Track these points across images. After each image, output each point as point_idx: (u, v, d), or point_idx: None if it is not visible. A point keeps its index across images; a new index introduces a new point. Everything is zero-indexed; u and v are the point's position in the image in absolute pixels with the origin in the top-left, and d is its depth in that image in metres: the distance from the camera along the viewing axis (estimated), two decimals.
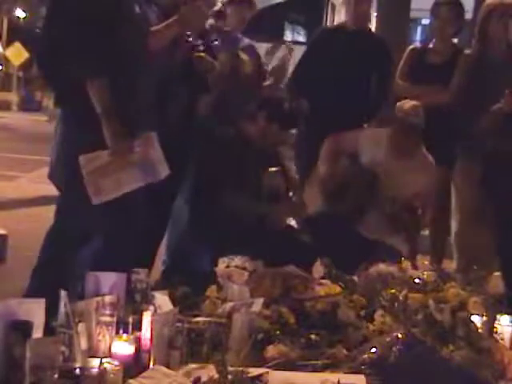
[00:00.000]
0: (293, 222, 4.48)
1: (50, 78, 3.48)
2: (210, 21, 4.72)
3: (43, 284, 3.22)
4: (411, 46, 5.43)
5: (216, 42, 4.34)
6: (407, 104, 4.69)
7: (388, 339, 2.89)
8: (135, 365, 2.72)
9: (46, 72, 3.48)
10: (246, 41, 4.94)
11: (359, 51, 5.07)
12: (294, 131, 5.14)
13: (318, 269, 3.67)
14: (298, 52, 5.94)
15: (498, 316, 3.27)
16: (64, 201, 3.45)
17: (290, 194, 4.42)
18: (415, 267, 4.48)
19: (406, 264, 3.82)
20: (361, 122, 5.12)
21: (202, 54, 4.17)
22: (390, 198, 4.55)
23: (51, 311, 2.64)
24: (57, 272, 3.28)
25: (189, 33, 3.97)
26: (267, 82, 5.14)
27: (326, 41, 5.28)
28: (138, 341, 2.78)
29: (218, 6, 4.81)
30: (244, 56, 4.55)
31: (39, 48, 3.53)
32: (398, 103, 4.73)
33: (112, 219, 3.41)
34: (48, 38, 3.38)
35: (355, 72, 5.01)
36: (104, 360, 2.53)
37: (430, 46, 5.19)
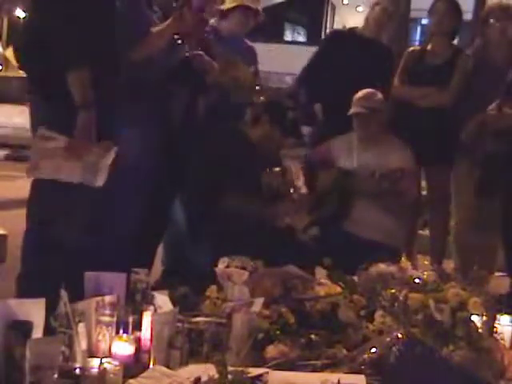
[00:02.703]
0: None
1: (27, 67, 3.42)
2: (212, 21, 4.71)
3: (30, 291, 3.18)
4: (410, 48, 5.43)
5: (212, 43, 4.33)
6: (361, 92, 4.73)
7: (388, 339, 2.89)
8: (135, 365, 2.72)
9: (24, 61, 3.43)
10: (246, 43, 4.93)
11: (369, 57, 5.05)
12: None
13: (321, 271, 3.67)
14: (298, 52, 5.92)
15: (498, 316, 3.27)
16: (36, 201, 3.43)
17: (291, 191, 4.42)
18: (415, 267, 4.49)
19: (406, 264, 3.82)
20: None
21: (201, 53, 4.18)
22: (368, 174, 4.57)
23: (50, 312, 2.64)
24: (43, 278, 3.25)
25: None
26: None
27: (338, 44, 5.26)
28: (138, 341, 2.79)
29: (221, 6, 4.78)
30: (242, 62, 4.55)
31: (20, 38, 3.48)
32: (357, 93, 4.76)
33: (108, 219, 3.42)
34: (30, 28, 3.34)
35: (363, 76, 5.00)
36: (104, 360, 2.54)
37: (429, 47, 5.19)
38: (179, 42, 3.92)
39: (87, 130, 3.23)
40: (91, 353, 2.71)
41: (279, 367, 2.77)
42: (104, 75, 3.22)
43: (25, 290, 3.28)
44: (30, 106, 3.51)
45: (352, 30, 5.40)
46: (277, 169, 4.32)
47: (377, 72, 5.05)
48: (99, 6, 3.25)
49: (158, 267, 4.41)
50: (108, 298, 2.83)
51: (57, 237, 3.27)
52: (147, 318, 2.81)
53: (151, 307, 2.92)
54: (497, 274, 5.01)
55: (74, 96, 3.19)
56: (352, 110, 4.69)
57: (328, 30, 22.01)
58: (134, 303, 2.99)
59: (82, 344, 2.66)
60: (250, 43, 4.96)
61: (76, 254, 3.31)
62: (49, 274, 3.22)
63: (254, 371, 2.61)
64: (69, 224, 3.29)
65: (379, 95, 4.72)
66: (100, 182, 3.32)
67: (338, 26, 21.34)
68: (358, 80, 4.89)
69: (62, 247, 3.28)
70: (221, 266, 3.52)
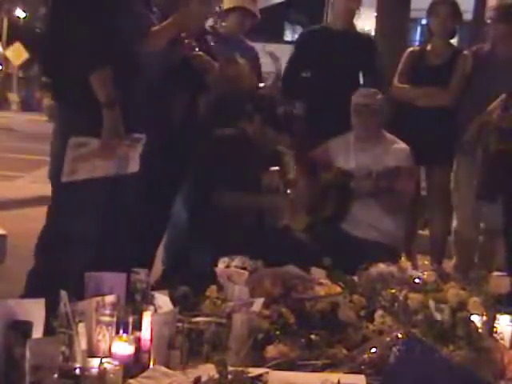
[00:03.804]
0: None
1: (51, 74, 3.49)
2: (210, 21, 4.73)
3: (40, 286, 3.20)
4: (409, 49, 5.43)
5: (212, 43, 4.35)
6: (361, 91, 4.76)
7: (388, 339, 2.89)
8: (135, 365, 2.72)
9: (48, 67, 3.49)
10: (247, 43, 4.94)
11: (347, 50, 5.06)
12: None
13: (317, 272, 3.67)
14: None
15: (498, 316, 3.27)
16: (59, 200, 3.45)
17: (288, 191, 4.41)
18: (415, 267, 4.48)
19: (406, 264, 3.82)
20: None
21: (201, 53, 4.18)
22: (365, 174, 4.57)
23: (50, 312, 2.64)
24: (53, 274, 3.27)
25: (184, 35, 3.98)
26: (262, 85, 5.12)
27: (313, 42, 5.27)
28: (137, 341, 2.78)
29: (220, 8, 4.81)
30: (242, 60, 4.55)
31: (42, 44, 3.54)
32: (358, 91, 4.77)
33: (108, 219, 3.42)
34: (51, 33, 3.40)
35: (345, 71, 5.02)
36: (104, 360, 2.53)
37: (428, 47, 5.19)
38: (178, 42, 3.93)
39: (115, 128, 3.28)
40: (91, 353, 2.71)
41: (279, 367, 2.77)
42: (124, 74, 3.26)
43: (35, 287, 3.29)
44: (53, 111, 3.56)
45: (324, 26, 5.39)
46: (276, 168, 4.31)
47: (357, 62, 5.07)
48: (116, 6, 3.28)
49: (158, 267, 4.41)
50: (108, 298, 2.83)
51: (71, 235, 3.32)
52: (147, 318, 2.80)
53: (151, 307, 2.92)
54: (497, 273, 5.02)
55: (98, 95, 3.24)
56: (353, 107, 4.71)
57: None
58: (133, 303, 2.98)
59: (82, 344, 2.66)
60: (250, 43, 4.96)
61: (80, 253, 3.33)
62: (60, 271, 3.24)
63: (254, 371, 2.62)
64: (81, 223, 3.32)
65: (379, 95, 4.73)
66: (134, 168, 3.44)
67: None
68: (339, 74, 4.91)
69: (74, 245, 3.32)
70: (221, 265, 3.52)
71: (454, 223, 5.07)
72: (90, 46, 3.22)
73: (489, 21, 4.95)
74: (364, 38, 5.34)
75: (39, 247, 3.44)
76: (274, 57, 5.11)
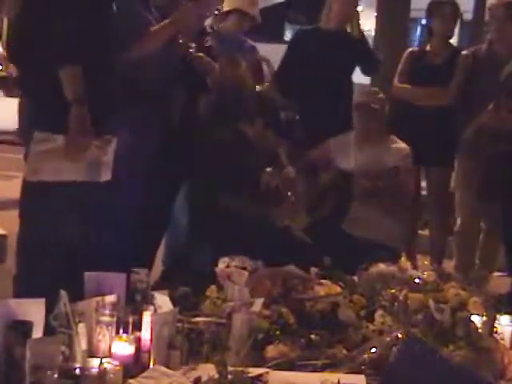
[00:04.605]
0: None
1: (20, 64, 3.39)
2: (210, 21, 4.73)
3: (28, 289, 3.16)
4: (409, 49, 5.43)
5: (209, 43, 4.36)
6: (367, 90, 4.77)
7: (388, 339, 2.89)
8: (135, 365, 2.72)
9: (16, 57, 3.40)
10: (248, 42, 4.93)
11: (340, 50, 5.06)
12: None
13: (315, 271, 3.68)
14: None
15: (497, 316, 3.27)
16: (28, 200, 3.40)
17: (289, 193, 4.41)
18: (415, 267, 4.49)
19: (406, 264, 3.83)
20: (349, 118, 5.07)
21: (201, 54, 4.18)
22: (365, 174, 4.57)
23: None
24: (37, 279, 3.24)
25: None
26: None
27: (305, 42, 5.27)
28: (137, 341, 2.78)
29: (220, 8, 4.80)
30: (243, 61, 4.55)
31: (12, 34, 3.44)
32: (361, 90, 4.79)
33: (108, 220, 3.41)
34: (22, 23, 3.29)
35: (337, 71, 5.02)
36: (104, 360, 2.54)
37: (428, 47, 5.19)
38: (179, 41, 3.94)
39: (81, 125, 3.18)
40: (91, 353, 2.71)
41: (279, 367, 2.77)
42: (98, 74, 3.21)
43: (21, 291, 3.27)
44: (19, 106, 3.50)
45: (318, 26, 5.38)
46: (274, 169, 4.31)
47: (349, 62, 5.08)
48: (94, 2, 3.24)
49: (158, 267, 4.41)
50: (108, 298, 2.82)
51: (52, 237, 3.26)
52: (147, 318, 2.80)
53: (151, 307, 2.92)
54: (497, 273, 5.03)
55: (65, 91, 3.15)
56: (354, 106, 4.72)
57: None
58: (134, 303, 2.98)
59: (82, 344, 2.66)
60: (252, 43, 4.96)
61: (74, 254, 3.31)
62: (43, 274, 3.22)
63: (254, 371, 2.62)
64: (65, 224, 3.28)
65: (380, 94, 4.74)
66: (105, 176, 3.31)
67: None
68: (330, 74, 4.91)
69: (58, 247, 3.27)
70: (221, 265, 3.52)
71: (456, 223, 5.07)
72: (64, 40, 3.13)
73: (496, 19, 4.93)
74: (354, 37, 5.33)
75: (22, 250, 3.42)
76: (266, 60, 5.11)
